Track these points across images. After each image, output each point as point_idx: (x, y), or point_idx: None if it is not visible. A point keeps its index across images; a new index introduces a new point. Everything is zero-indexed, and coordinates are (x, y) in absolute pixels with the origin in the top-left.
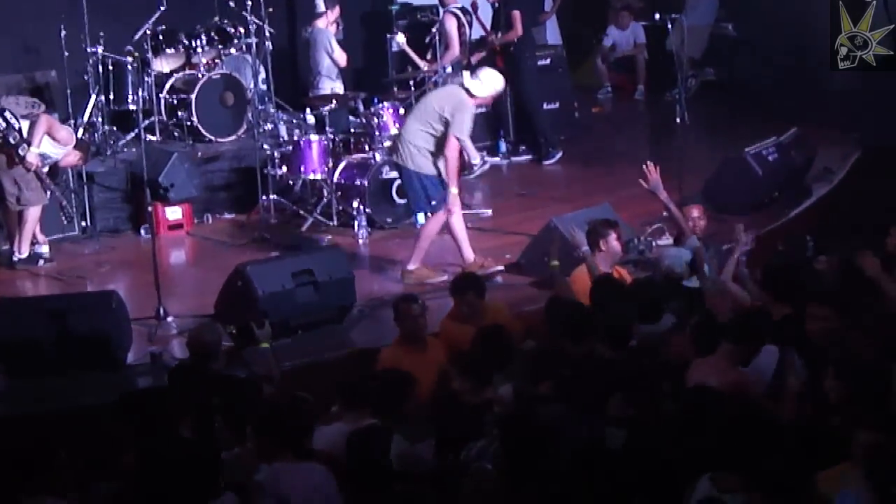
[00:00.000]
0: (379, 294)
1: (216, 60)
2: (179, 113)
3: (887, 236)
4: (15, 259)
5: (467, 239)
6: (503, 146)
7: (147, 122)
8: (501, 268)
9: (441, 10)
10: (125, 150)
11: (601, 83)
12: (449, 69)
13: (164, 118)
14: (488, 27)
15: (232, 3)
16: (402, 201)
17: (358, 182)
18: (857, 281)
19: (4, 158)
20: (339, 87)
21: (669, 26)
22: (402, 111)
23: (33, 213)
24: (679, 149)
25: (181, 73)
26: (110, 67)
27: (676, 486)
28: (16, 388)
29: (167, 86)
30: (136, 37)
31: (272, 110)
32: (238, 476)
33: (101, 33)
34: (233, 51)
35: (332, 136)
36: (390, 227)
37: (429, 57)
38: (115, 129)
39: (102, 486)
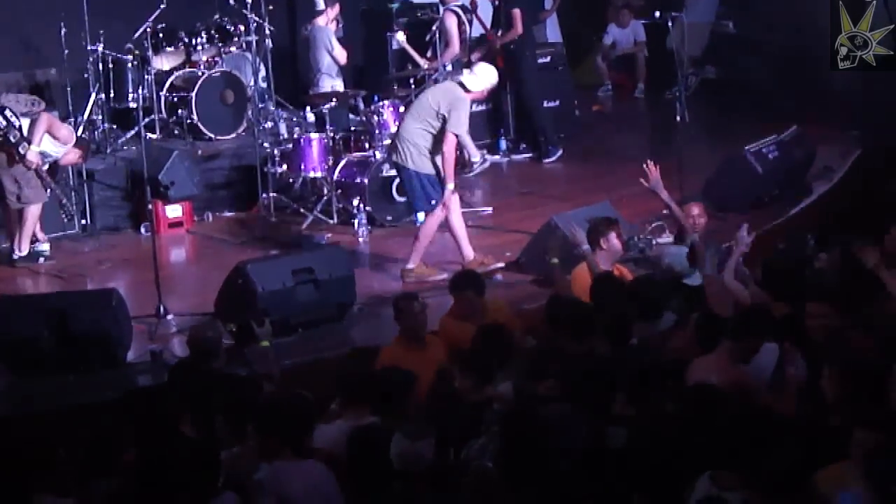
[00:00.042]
0: (379, 292)
1: (216, 58)
2: (180, 111)
3: (887, 234)
4: (15, 257)
5: (467, 237)
6: (503, 144)
7: (147, 119)
8: (502, 265)
9: (441, 8)
10: (125, 147)
11: (601, 81)
12: (449, 67)
13: (165, 116)
14: (488, 25)
15: (232, 1)
16: (403, 199)
17: (358, 180)
18: (857, 278)
19: (5, 157)
20: (339, 85)
21: (670, 24)
22: (402, 109)
23: (33, 212)
24: (679, 147)
25: (181, 71)
26: (110, 65)
27: (677, 485)
28: (16, 387)
29: (167, 83)
30: (137, 35)
31: (272, 108)
32: (238, 475)
33: (102, 31)
34: (233, 48)
35: (332, 134)
36: (390, 225)
37: (429, 55)
38: (115, 126)
39: (102, 484)
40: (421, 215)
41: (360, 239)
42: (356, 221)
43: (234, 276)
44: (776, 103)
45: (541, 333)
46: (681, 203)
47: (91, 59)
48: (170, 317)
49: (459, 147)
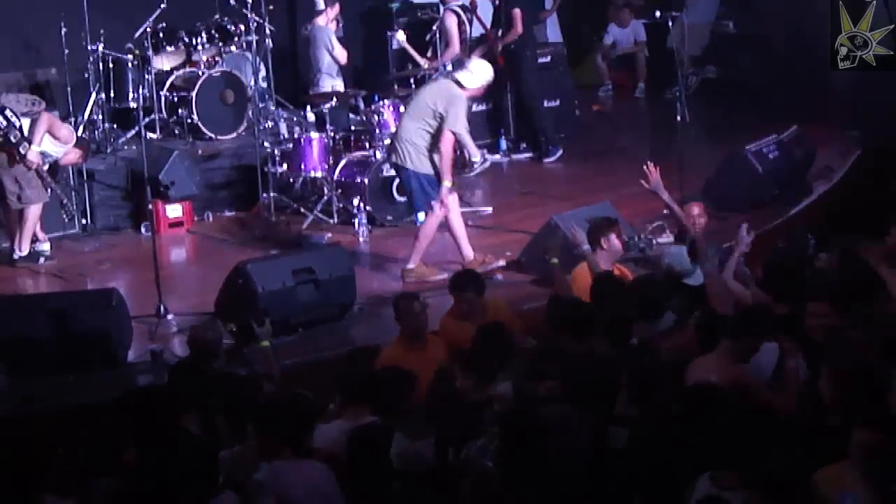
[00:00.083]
0: (379, 292)
1: (216, 58)
2: (180, 110)
3: (887, 235)
4: (15, 257)
5: (466, 237)
6: (503, 144)
7: (147, 119)
8: (502, 263)
9: (441, 8)
10: (125, 147)
11: (602, 81)
12: (449, 67)
13: (165, 116)
14: (488, 25)
15: (232, 1)
16: (403, 199)
17: (358, 180)
18: (857, 278)
19: (5, 157)
20: (339, 85)
21: (670, 24)
22: (402, 109)
23: (34, 212)
24: (679, 146)
25: (181, 71)
26: (111, 65)
27: (677, 485)
28: (16, 387)
29: (167, 83)
30: (137, 34)
31: (272, 108)
32: (238, 474)
33: (102, 31)
34: (233, 48)
35: (332, 134)
36: (391, 224)
37: (429, 54)
38: (115, 126)
39: (102, 484)
40: (421, 215)
41: (361, 239)
42: (356, 221)
43: (235, 276)
44: (776, 103)
45: (541, 333)
46: (681, 203)
47: (91, 58)
48: (170, 316)
49: (460, 147)
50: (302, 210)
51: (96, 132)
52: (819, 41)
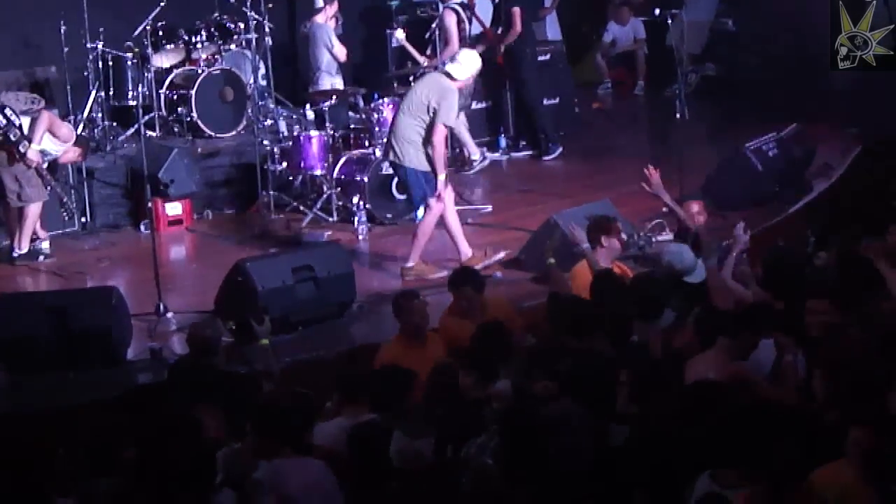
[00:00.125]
0: (379, 290)
1: (216, 56)
2: (179, 109)
3: (886, 233)
4: (15, 255)
5: (462, 234)
6: (503, 142)
7: (147, 117)
8: (502, 255)
9: (440, 6)
10: (125, 145)
11: (601, 79)
12: None
13: (164, 114)
14: (487, 23)
15: None
16: (402, 197)
17: (358, 178)
18: (856, 275)
19: (5, 155)
20: (338, 83)
21: (669, 22)
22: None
23: (34, 210)
24: (679, 144)
25: (181, 69)
26: (110, 63)
27: (677, 483)
28: (15, 385)
29: (167, 81)
30: (136, 32)
31: (272, 106)
32: (237, 473)
33: (101, 29)
34: (232, 46)
35: (331, 132)
36: (390, 222)
37: (428, 52)
38: (114, 124)
39: (102, 483)
40: (421, 212)
41: (360, 237)
42: (356, 219)
43: (234, 274)
44: (776, 101)
45: (541, 331)
46: (680, 201)
47: (91, 56)
48: (169, 314)
49: (460, 145)
50: (301, 208)
51: (96, 130)
52: (819, 40)
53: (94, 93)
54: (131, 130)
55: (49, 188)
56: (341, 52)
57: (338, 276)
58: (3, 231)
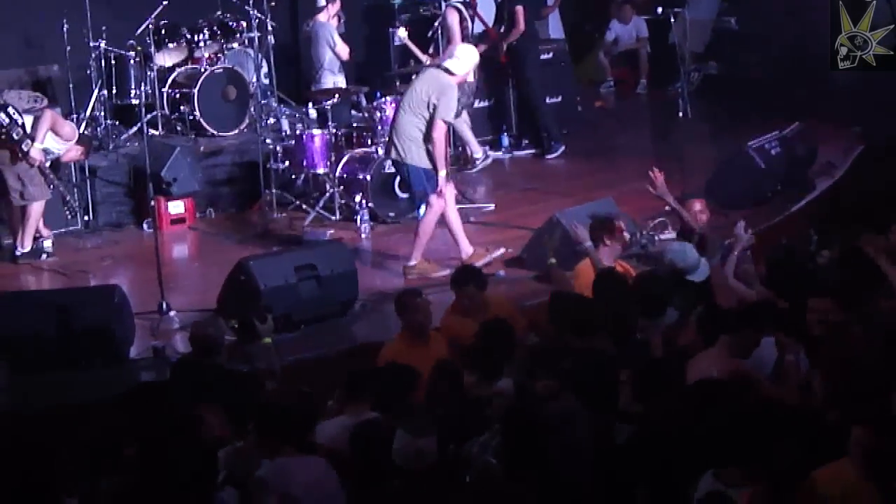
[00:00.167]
0: (381, 288)
1: (218, 55)
2: (182, 107)
3: (889, 232)
4: (18, 253)
5: (463, 232)
6: (506, 140)
7: (149, 116)
8: (503, 250)
9: (443, 4)
10: (128, 144)
11: (604, 77)
12: None
13: (167, 112)
14: (490, 22)
15: None
16: (405, 195)
17: (360, 176)
18: (859, 273)
19: (8, 154)
20: (341, 82)
21: (672, 20)
22: None
23: (36, 208)
24: (681, 143)
25: (183, 68)
26: (112, 62)
27: (681, 481)
28: (18, 383)
29: (169, 80)
30: (139, 31)
31: (274, 104)
32: (239, 471)
33: (104, 27)
34: (235, 45)
35: (334, 131)
36: (393, 221)
37: (431, 51)
38: (117, 123)
39: (104, 482)
40: (423, 209)
41: (363, 235)
42: (358, 218)
43: (237, 273)
44: (778, 99)
45: (543, 330)
46: (682, 199)
47: (93, 55)
48: (172, 313)
49: (462, 143)
50: (304, 207)
51: (98, 129)
52: (819, 39)
53: (96, 91)
54: (134, 129)
55: (52, 187)
56: (344, 50)
57: (340, 275)
58: (6, 230)
